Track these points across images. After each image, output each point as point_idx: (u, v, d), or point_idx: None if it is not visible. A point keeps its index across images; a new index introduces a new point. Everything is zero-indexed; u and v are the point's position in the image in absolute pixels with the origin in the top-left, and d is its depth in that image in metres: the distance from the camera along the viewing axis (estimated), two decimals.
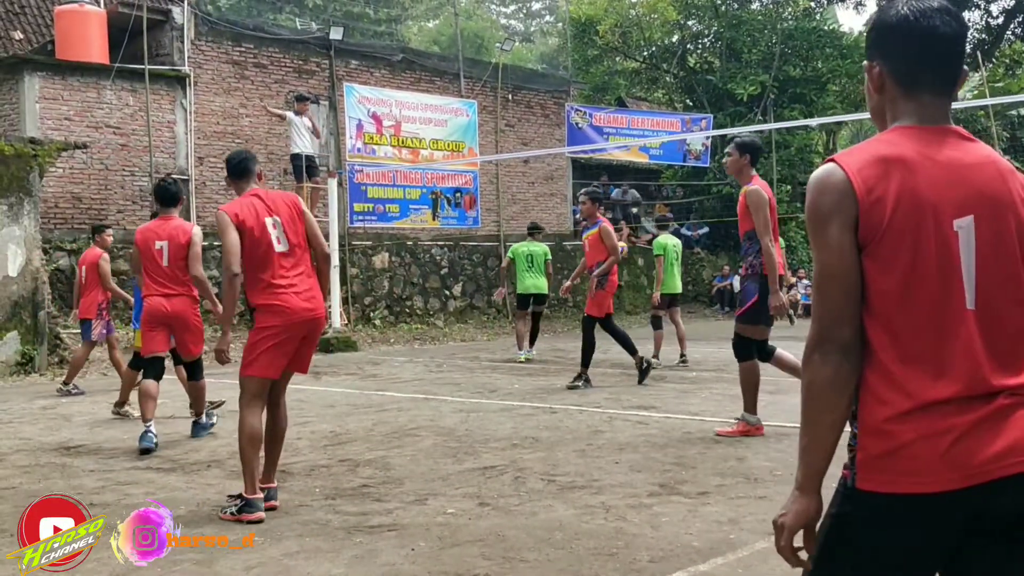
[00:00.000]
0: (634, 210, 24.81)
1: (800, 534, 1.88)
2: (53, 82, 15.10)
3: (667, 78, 27.64)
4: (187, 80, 16.50)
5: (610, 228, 10.08)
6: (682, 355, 12.20)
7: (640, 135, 23.29)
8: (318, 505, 5.19)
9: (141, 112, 15.83)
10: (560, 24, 37.75)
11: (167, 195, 7.42)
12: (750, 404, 7.07)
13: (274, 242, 5.16)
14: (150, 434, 6.89)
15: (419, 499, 5.28)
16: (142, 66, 15.66)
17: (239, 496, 4.98)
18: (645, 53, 27.22)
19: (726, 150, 7.39)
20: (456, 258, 19.85)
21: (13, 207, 12.19)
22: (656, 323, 12.56)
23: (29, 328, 12.23)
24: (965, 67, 1.94)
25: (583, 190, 10.71)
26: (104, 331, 10.21)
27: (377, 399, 9.20)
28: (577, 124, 22.40)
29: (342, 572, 4.03)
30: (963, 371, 1.77)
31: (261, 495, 4.98)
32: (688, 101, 26.94)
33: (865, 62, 1.97)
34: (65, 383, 10.38)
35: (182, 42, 16.58)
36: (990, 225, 1.82)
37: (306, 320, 5.17)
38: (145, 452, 6.76)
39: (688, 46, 27.18)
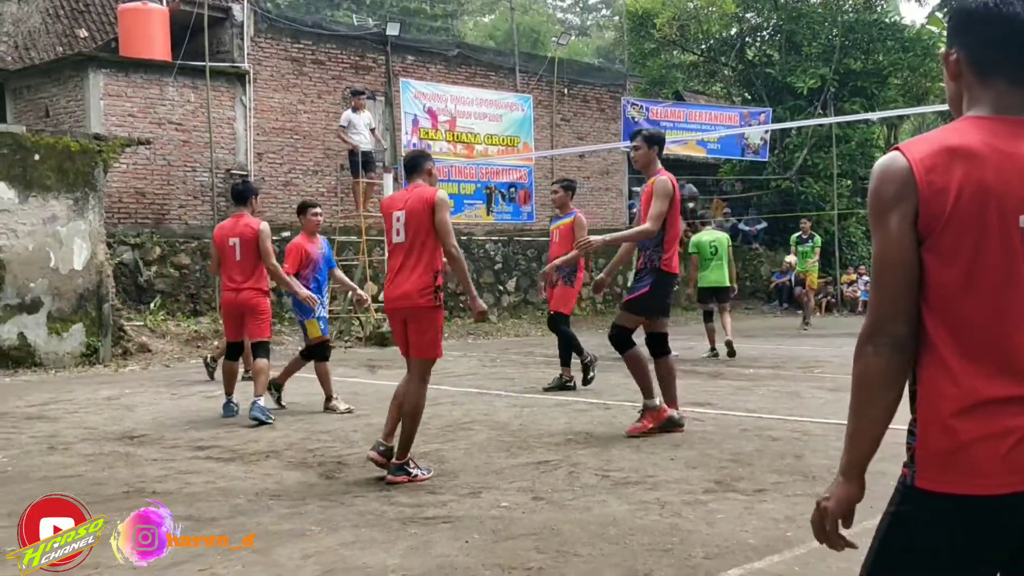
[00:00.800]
0: (691, 205, 24.60)
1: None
2: (117, 79, 15.41)
3: (725, 71, 27.34)
4: (247, 77, 16.74)
5: (584, 220, 9.53)
6: (712, 349, 12.57)
7: (698, 129, 23.09)
8: (373, 496, 5.24)
9: (202, 109, 16.09)
10: (617, 18, 37.57)
11: (236, 194, 8.33)
12: (646, 389, 6.90)
13: (394, 234, 5.70)
14: (232, 405, 8.16)
15: (473, 492, 5.29)
16: (203, 63, 15.91)
17: None
18: (703, 46, 26.96)
19: (633, 143, 7.13)
20: (510, 253, 19.86)
21: (78, 202, 12.47)
22: (707, 317, 12.95)
23: (94, 320, 12.50)
24: None
25: (557, 179, 10.32)
26: None
27: (431, 393, 9.13)
28: (633, 118, 22.27)
29: (397, 563, 4.06)
30: None
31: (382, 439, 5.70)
32: (747, 95, 26.61)
33: (943, 49, 1.93)
34: (246, 370, 10.62)
35: (242, 39, 16.82)
36: None
37: (396, 309, 5.69)
38: (228, 417, 8.00)
39: (747, 39, 26.85)
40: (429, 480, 5.59)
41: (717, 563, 4.01)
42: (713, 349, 12.58)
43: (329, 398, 8.43)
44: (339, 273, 8.94)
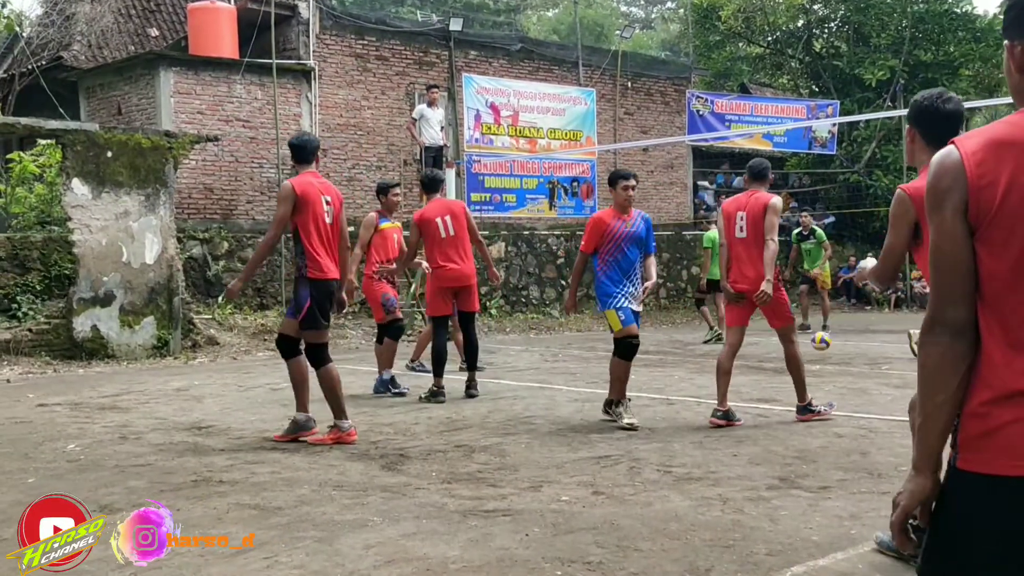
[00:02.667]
0: None
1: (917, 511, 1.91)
2: (186, 77, 15.71)
3: (792, 63, 26.95)
4: (312, 74, 16.94)
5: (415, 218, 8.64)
6: (718, 334, 13.59)
7: (764, 122, 22.79)
8: (435, 488, 5.28)
9: (269, 106, 16.32)
10: (681, 10, 37.23)
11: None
12: (301, 403, 6.72)
13: (737, 231, 6.97)
14: (397, 385, 8.93)
15: (533, 486, 5.30)
16: (270, 60, 16.14)
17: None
18: (769, 38, 26.61)
19: None
20: (572, 248, 19.77)
21: (150, 197, 12.76)
22: (699, 303, 14.70)
23: (164, 313, 12.77)
24: None
25: (424, 172, 9.77)
26: None
27: (492, 387, 9.27)
28: (698, 111, 22.07)
29: (457, 554, 4.09)
30: None
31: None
32: (814, 87, 26.21)
33: (1006, 41, 1.89)
34: (412, 359, 10.68)
35: (308, 36, 17.02)
36: None
37: (744, 291, 6.99)
38: (398, 395, 8.84)
39: (814, 30, 26.43)
40: (490, 473, 5.62)
41: (780, 560, 3.97)
42: (713, 328, 13.86)
43: (611, 403, 7.40)
44: (649, 261, 7.47)
